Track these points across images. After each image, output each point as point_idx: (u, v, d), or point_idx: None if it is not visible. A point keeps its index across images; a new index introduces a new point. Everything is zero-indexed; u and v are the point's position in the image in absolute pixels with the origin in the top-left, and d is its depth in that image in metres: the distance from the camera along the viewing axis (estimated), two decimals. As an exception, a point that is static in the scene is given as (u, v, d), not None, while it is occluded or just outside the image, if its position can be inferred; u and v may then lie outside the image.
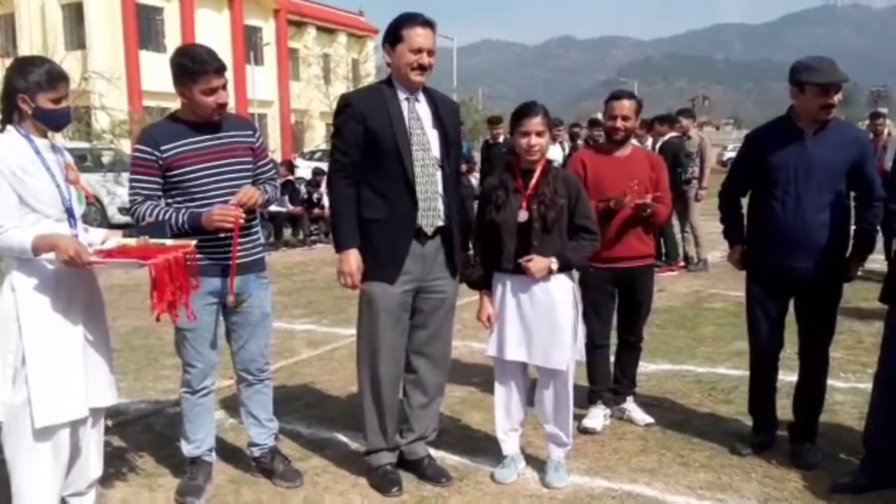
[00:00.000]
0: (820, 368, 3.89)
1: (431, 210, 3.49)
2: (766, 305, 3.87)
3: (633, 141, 4.51)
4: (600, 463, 3.89)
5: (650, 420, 4.37)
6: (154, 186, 3.37)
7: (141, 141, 3.42)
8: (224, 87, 3.36)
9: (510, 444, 3.76)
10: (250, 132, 3.57)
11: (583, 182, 4.10)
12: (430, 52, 3.43)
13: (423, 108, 3.53)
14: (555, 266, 3.49)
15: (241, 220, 3.32)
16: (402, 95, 3.49)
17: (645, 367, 4.91)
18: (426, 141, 3.48)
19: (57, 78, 2.93)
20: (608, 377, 4.42)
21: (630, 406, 4.45)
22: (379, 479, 3.60)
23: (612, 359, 4.49)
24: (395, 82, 3.50)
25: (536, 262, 3.47)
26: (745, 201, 4.06)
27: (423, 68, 3.42)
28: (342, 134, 3.48)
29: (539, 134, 3.52)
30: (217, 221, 3.27)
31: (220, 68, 3.32)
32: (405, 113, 3.47)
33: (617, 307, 4.37)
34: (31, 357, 2.87)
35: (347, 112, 3.47)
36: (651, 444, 4.11)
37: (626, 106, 4.20)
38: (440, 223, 3.52)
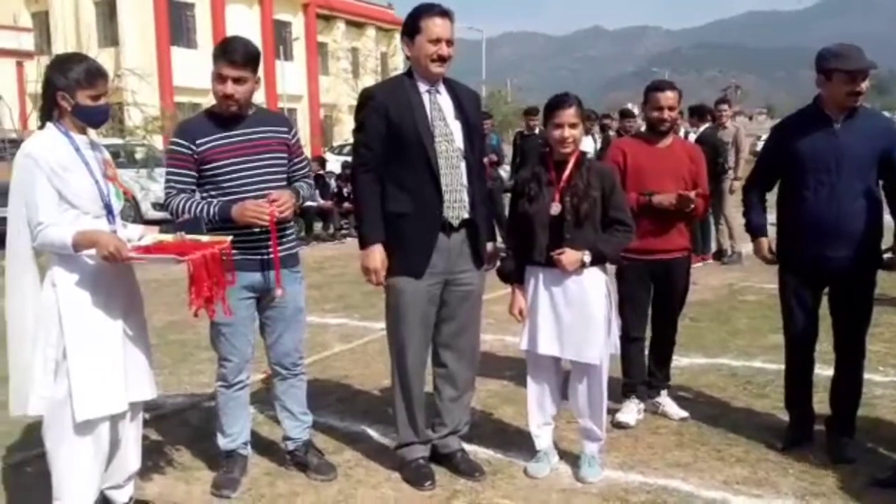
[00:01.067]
0: (857, 359, 3.83)
1: (457, 202, 3.47)
2: (801, 297, 3.82)
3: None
4: (635, 457, 3.86)
5: (685, 414, 4.33)
6: (188, 180, 3.42)
7: (177, 134, 3.46)
8: (238, 81, 3.34)
9: (543, 438, 3.74)
10: (285, 129, 3.58)
11: (622, 172, 4.08)
12: (449, 42, 3.41)
13: (444, 100, 3.52)
14: (587, 259, 3.45)
15: (275, 216, 3.33)
16: (423, 87, 3.47)
17: (679, 360, 4.86)
18: (449, 132, 3.47)
19: (96, 75, 2.97)
20: (643, 370, 4.39)
21: (664, 400, 4.42)
22: (412, 473, 3.61)
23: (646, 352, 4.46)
24: (416, 75, 3.50)
25: (568, 255, 3.44)
26: (769, 196, 4.02)
27: (442, 59, 3.41)
28: (365, 128, 3.48)
29: (572, 126, 3.48)
30: (250, 218, 3.29)
31: (235, 60, 3.32)
32: (427, 105, 3.46)
33: (651, 299, 4.34)
34: (72, 351, 2.92)
35: (370, 106, 3.47)
36: (686, 439, 4.07)
37: (670, 97, 4.19)
38: (465, 215, 3.50)
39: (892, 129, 3.84)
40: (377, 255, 3.44)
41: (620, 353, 4.25)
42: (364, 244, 3.49)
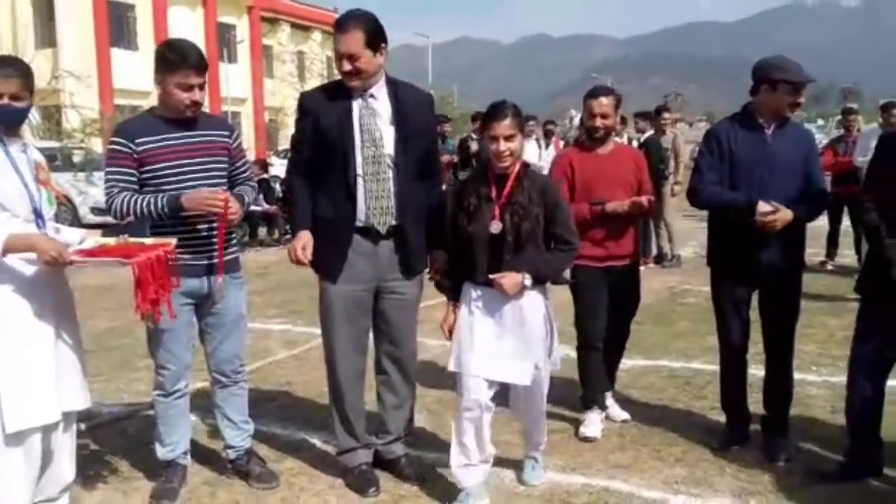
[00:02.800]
0: (786, 359, 3.95)
1: (382, 208, 3.42)
2: (733, 299, 3.93)
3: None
4: (577, 459, 3.90)
5: (626, 416, 4.38)
6: (130, 179, 3.35)
7: (116, 134, 3.41)
8: (202, 87, 3.35)
9: (470, 475, 3.40)
10: (227, 132, 3.56)
11: (570, 182, 4.09)
12: (352, 57, 3.31)
13: (380, 104, 3.46)
14: (528, 282, 3.29)
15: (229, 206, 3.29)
16: (356, 93, 3.43)
17: (621, 362, 4.92)
18: (378, 137, 3.41)
19: None
20: (602, 381, 4.33)
21: (608, 402, 4.44)
22: (355, 480, 3.59)
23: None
24: None
25: (509, 280, 3.25)
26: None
27: (348, 74, 3.35)
28: (298, 131, 3.52)
29: (508, 138, 3.27)
30: (207, 206, 3.24)
31: (201, 66, 3.32)
32: (356, 110, 3.42)
33: (609, 306, 4.27)
34: (0, 360, 2.83)
35: (301, 110, 3.51)
36: (627, 440, 4.13)
37: (604, 103, 4.14)
38: (393, 221, 3.46)
39: (812, 137, 4.06)
40: (302, 236, 3.43)
41: (578, 364, 4.28)
42: (293, 233, 3.54)
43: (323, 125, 3.39)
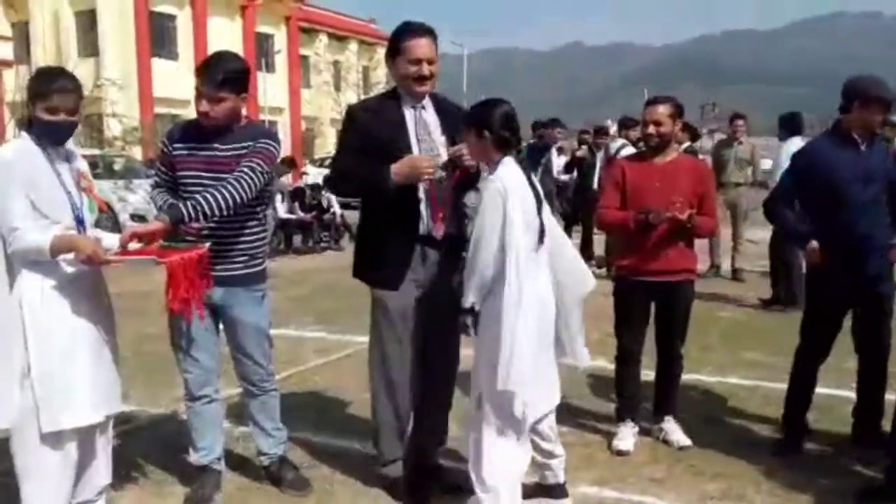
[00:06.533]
0: (883, 375, 4.02)
1: (442, 217, 3.45)
2: (829, 317, 3.97)
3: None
4: (611, 473, 3.86)
5: (687, 443, 4.16)
6: (166, 177, 3.51)
7: (165, 133, 3.59)
8: (212, 100, 3.29)
9: None
10: (250, 143, 3.39)
11: (622, 193, 4.05)
12: (431, 61, 3.39)
13: (430, 116, 3.51)
14: None
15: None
16: (407, 104, 3.47)
17: (651, 375, 4.85)
18: (434, 147, 3.45)
19: (53, 87, 2.90)
20: (636, 394, 4.27)
21: (668, 426, 4.27)
22: (400, 489, 3.58)
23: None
24: (401, 92, 3.50)
25: None
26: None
27: (423, 78, 3.40)
28: (345, 144, 3.55)
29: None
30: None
31: (210, 81, 3.27)
32: (411, 121, 3.46)
33: (655, 321, 4.21)
34: (37, 362, 2.88)
35: (351, 123, 3.51)
36: (661, 455, 4.09)
37: (658, 111, 4.02)
38: (448, 229, 3.48)
39: (892, 154, 4.13)
40: (404, 160, 3.31)
41: (615, 376, 4.26)
42: (386, 181, 3.31)
43: (377, 138, 3.39)
